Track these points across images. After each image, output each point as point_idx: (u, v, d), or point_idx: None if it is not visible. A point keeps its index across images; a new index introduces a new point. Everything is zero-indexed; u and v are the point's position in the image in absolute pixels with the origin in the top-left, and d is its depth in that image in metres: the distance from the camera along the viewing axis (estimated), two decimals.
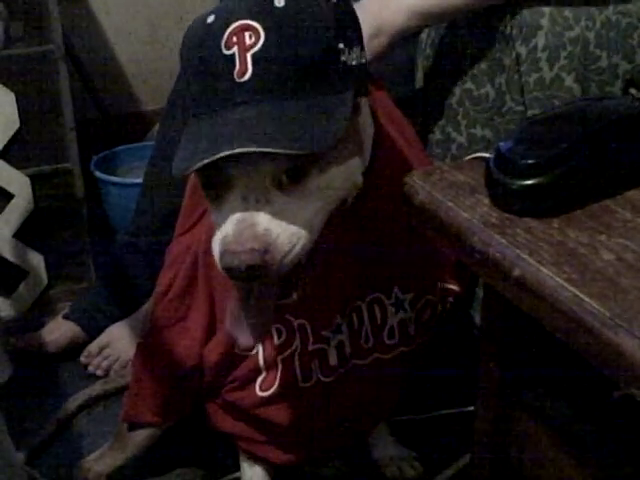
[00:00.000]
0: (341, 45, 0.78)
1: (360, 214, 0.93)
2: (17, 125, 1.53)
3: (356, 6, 1.01)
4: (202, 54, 0.77)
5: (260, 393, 1.01)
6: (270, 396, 1.01)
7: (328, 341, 1.00)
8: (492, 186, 0.73)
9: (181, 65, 0.81)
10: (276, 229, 0.74)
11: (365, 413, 1.09)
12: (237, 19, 0.76)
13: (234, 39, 0.75)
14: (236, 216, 0.75)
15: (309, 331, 0.99)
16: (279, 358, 1.00)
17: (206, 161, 0.72)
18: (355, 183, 0.84)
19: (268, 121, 0.74)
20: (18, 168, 1.55)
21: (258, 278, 0.75)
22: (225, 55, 0.75)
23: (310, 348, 1.00)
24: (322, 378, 1.02)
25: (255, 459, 1.11)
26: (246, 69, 0.75)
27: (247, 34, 0.75)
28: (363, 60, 0.82)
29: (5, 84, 1.50)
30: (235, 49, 0.75)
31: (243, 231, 0.74)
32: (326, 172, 0.78)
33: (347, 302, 1.00)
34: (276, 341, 0.99)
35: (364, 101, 0.85)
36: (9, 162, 1.54)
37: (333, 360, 1.01)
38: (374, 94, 0.97)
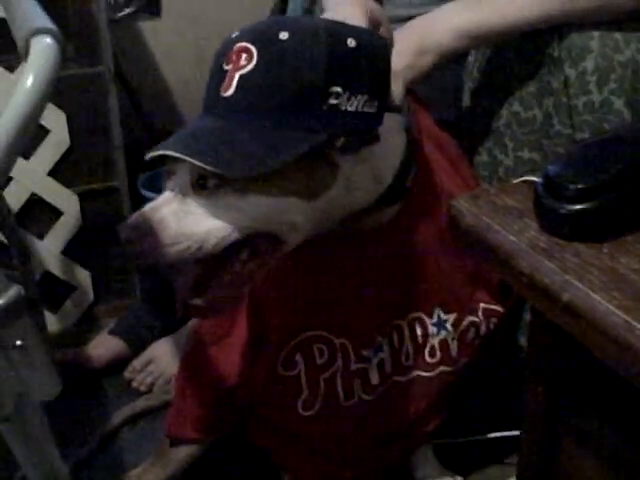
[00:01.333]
0: (336, 89, 0.80)
1: (397, 234, 0.93)
2: (67, 144, 1.56)
3: (404, 25, 1.02)
4: (215, 63, 0.85)
5: (303, 412, 1.02)
6: (312, 415, 1.02)
7: (370, 360, 1.00)
8: (540, 210, 0.72)
9: None
10: (171, 223, 0.81)
11: (407, 433, 1.08)
12: (244, 40, 0.82)
13: (233, 57, 0.82)
14: (156, 201, 0.83)
15: (350, 350, 0.99)
16: (321, 377, 1.00)
17: (152, 154, 0.81)
18: (292, 224, 0.84)
19: (215, 137, 0.80)
20: (67, 186, 1.58)
21: (136, 257, 0.81)
22: (223, 69, 0.83)
23: (352, 368, 1.00)
24: (364, 396, 1.02)
25: (299, 478, 1.11)
26: (230, 86, 0.81)
27: (244, 56, 0.81)
28: (371, 110, 0.83)
29: (56, 104, 1.53)
30: (230, 67, 0.82)
31: (145, 213, 0.82)
32: (242, 195, 0.81)
33: (387, 321, 1.00)
34: (318, 361, 1.00)
35: (366, 151, 0.85)
36: (59, 180, 1.57)
37: (375, 379, 1.02)
38: (418, 115, 0.97)
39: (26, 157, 1.53)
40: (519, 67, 1.06)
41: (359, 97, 0.81)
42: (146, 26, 2.08)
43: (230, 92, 0.81)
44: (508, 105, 1.08)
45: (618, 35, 0.98)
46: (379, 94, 0.84)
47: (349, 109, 0.81)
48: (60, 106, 1.53)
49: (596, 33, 0.98)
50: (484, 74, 1.12)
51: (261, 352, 1.02)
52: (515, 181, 0.84)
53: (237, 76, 0.81)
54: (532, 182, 0.77)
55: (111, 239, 1.64)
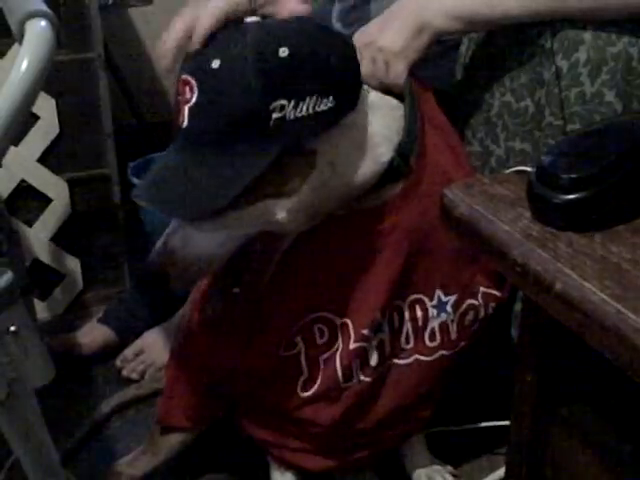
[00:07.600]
0: (279, 102, 0.80)
1: (399, 214, 0.94)
2: (57, 131, 1.55)
3: (396, 3, 1.02)
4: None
5: (302, 394, 1.02)
6: (311, 396, 1.02)
7: (369, 340, 1.00)
8: (534, 200, 0.73)
9: None
10: (181, 251, 0.89)
11: (402, 419, 1.08)
12: (185, 72, 0.84)
13: (181, 89, 0.84)
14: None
15: (351, 329, 0.99)
16: (321, 358, 1.00)
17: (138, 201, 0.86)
18: (276, 222, 0.87)
19: (175, 177, 0.84)
20: (57, 173, 1.57)
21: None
22: (178, 101, 0.85)
23: (351, 347, 1.00)
24: (362, 378, 1.02)
25: (287, 466, 1.11)
26: (183, 119, 0.83)
27: (187, 88, 0.83)
28: (326, 107, 0.83)
29: (46, 90, 1.52)
30: (180, 98, 0.84)
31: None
32: (220, 216, 0.85)
33: (388, 300, 1.00)
34: (318, 341, 1.00)
35: (344, 131, 0.87)
36: (48, 167, 1.57)
37: (374, 360, 1.02)
38: (421, 97, 0.98)
39: (15, 143, 1.52)
40: (511, 57, 1.06)
41: (307, 100, 0.81)
42: (137, 13, 2.07)
43: (185, 124, 0.83)
44: (500, 95, 1.08)
45: (611, 27, 0.98)
46: (333, 88, 0.83)
47: (298, 115, 0.81)
48: (50, 92, 1.52)
49: (589, 25, 0.98)
50: (476, 64, 1.12)
51: (258, 339, 1.01)
52: (508, 171, 0.84)
53: (186, 109, 0.83)
54: (525, 172, 0.78)
55: (101, 227, 1.64)
